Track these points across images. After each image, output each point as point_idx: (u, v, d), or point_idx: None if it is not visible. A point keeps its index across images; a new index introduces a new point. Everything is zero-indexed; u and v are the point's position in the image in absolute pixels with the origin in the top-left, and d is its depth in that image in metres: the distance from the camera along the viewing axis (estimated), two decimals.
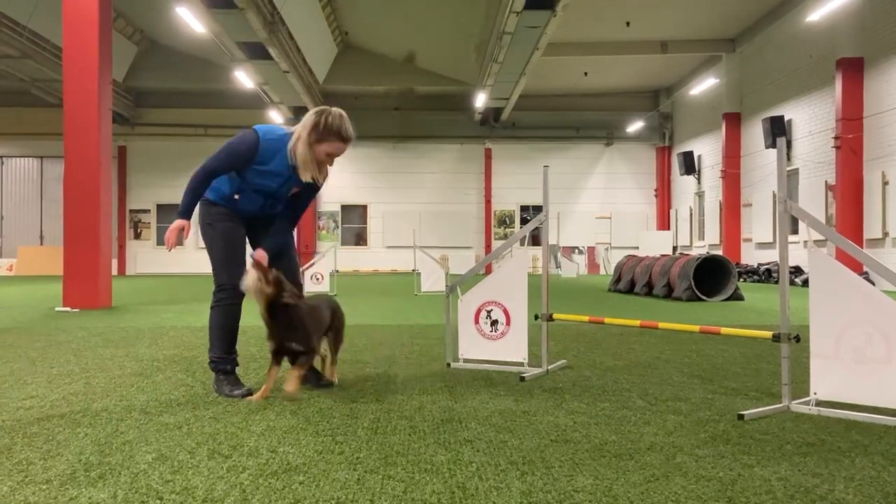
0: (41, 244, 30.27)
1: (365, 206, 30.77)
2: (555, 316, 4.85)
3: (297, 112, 28.88)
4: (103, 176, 10.94)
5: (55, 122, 13.45)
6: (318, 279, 14.19)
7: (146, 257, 30.35)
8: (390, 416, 3.46)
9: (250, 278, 3.68)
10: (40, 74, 23.81)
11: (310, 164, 3.84)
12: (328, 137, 3.82)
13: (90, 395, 3.95)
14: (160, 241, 30.48)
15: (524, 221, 30.20)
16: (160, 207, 30.48)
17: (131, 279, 24.31)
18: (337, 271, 15.27)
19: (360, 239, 30.92)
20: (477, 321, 4.84)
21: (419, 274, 14.50)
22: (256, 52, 20.13)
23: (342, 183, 30.26)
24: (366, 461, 2.71)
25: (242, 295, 3.89)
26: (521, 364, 4.69)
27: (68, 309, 10.27)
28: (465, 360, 4.91)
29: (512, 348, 4.72)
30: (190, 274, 29.18)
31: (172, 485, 2.44)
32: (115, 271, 28.62)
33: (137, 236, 30.62)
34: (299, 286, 4.08)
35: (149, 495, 2.34)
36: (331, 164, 3.95)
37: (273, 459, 2.73)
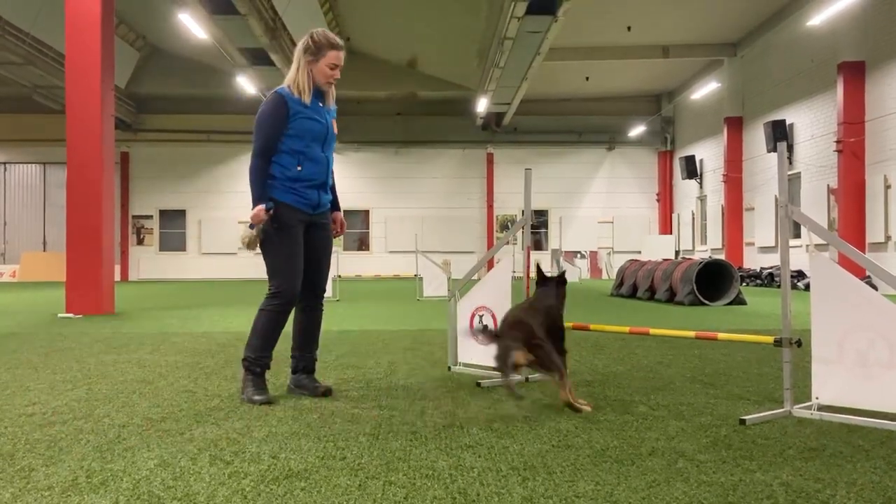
0: (44, 250, 30.31)
1: (367, 211, 30.79)
2: None
3: None
4: (106, 182, 10.96)
5: (58, 129, 13.46)
6: None
7: (149, 263, 30.38)
8: (392, 422, 3.46)
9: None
10: (43, 81, 23.87)
11: (307, 87, 3.96)
12: (322, 51, 3.96)
13: (92, 402, 3.96)
14: (163, 247, 30.52)
15: None
16: (163, 213, 30.52)
17: (134, 285, 24.34)
18: (339, 276, 15.27)
19: (362, 244, 30.94)
20: (471, 325, 4.86)
21: (421, 279, 14.50)
22: (258, 58, 20.19)
23: (344, 188, 30.13)
24: (367, 467, 2.71)
25: (293, 305, 4.05)
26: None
27: (71, 315, 10.28)
28: (465, 365, 4.92)
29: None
30: (192, 280, 29.20)
31: (174, 491, 2.44)
32: (117, 277, 28.59)
33: (140, 242, 30.66)
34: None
35: (150, 502, 2.34)
36: (337, 78, 4.04)
37: (275, 465, 2.73)
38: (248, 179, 4.01)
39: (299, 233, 4.03)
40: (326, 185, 4.14)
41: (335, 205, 4.31)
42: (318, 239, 4.16)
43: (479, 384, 4.40)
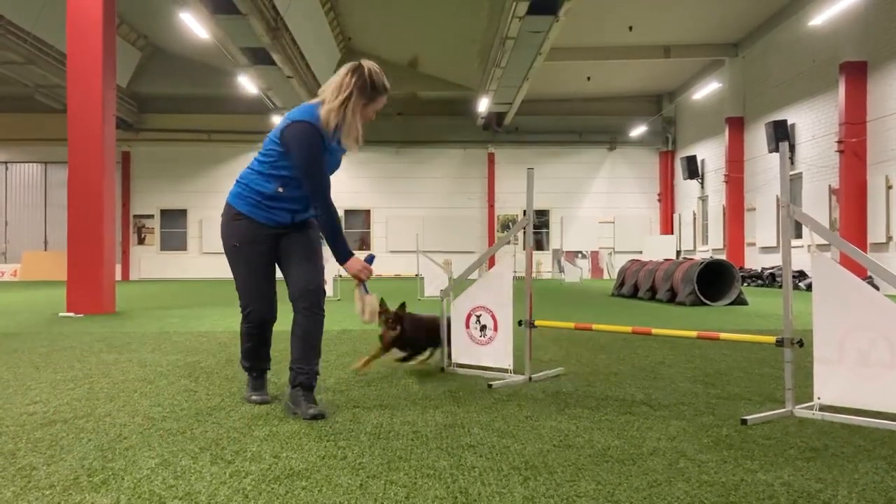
0: (45, 249, 30.33)
1: (368, 211, 30.80)
2: (537, 322, 4.78)
3: None
4: (107, 181, 10.96)
5: (59, 128, 13.47)
6: None
7: (150, 263, 30.39)
8: (393, 422, 3.46)
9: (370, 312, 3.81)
10: (44, 80, 23.88)
11: (356, 128, 3.66)
12: (377, 95, 3.66)
13: (93, 401, 3.96)
14: (164, 247, 30.53)
15: None
16: (164, 213, 30.53)
17: (135, 284, 24.35)
18: (340, 276, 15.26)
19: (363, 243, 30.94)
20: (467, 326, 4.83)
21: (422, 278, 14.50)
22: (260, 58, 20.19)
23: (345, 188, 30.28)
24: (368, 466, 2.71)
25: (268, 323, 3.86)
26: (507, 370, 4.66)
27: (72, 314, 10.29)
28: (459, 365, 4.90)
29: (499, 354, 4.69)
30: (193, 279, 29.21)
31: (175, 490, 2.44)
32: (118, 276, 28.65)
33: (141, 242, 30.66)
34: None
35: (151, 500, 2.34)
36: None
37: (276, 465, 2.73)
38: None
39: (267, 250, 3.73)
40: (306, 208, 3.77)
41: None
42: (295, 241, 3.77)
43: (490, 385, 4.39)
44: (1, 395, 4.12)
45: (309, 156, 3.55)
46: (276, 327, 3.93)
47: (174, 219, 30.58)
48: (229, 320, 8.96)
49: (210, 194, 29.55)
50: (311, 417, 3.50)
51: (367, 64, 3.66)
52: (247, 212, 3.69)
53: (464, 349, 4.84)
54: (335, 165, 3.80)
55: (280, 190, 3.62)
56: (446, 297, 5.04)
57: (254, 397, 3.89)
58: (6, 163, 30.65)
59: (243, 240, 3.70)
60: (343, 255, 3.67)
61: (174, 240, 30.60)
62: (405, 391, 4.26)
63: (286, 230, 3.77)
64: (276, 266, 3.84)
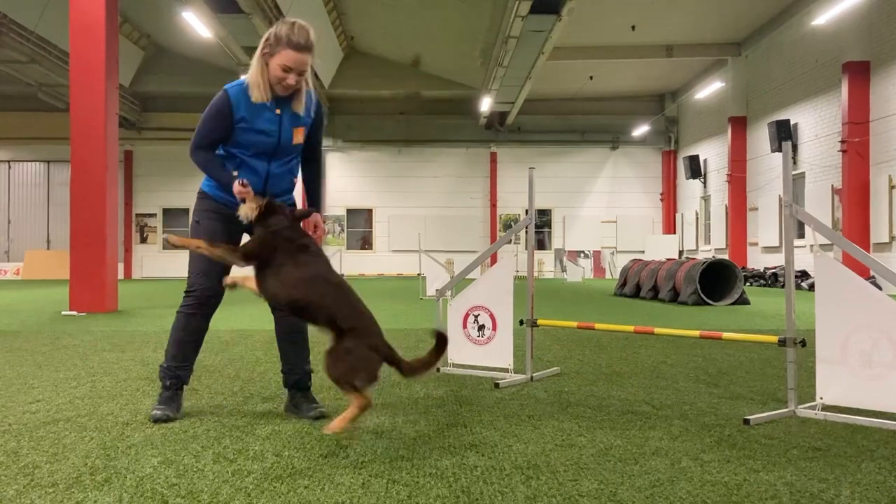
0: (48, 248, 30.35)
1: (370, 210, 30.79)
2: (540, 322, 4.78)
3: None
4: (110, 180, 10.97)
5: (62, 127, 13.50)
6: None
7: (152, 261, 30.41)
8: (395, 421, 3.46)
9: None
10: (47, 79, 23.90)
11: (260, 83, 3.39)
12: (277, 48, 3.33)
13: (96, 399, 3.96)
14: (166, 246, 30.55)
15: None
16: (166, 212, 30.55)
17: (137, 283, 24.37)
18: (342, 275, 15.28)
19: (365, 243, 30.93)
20: (465, 326, 4.81)
21: (424, 278, 14.50)
22: None
23: (348, 187, 30.29)
24: (370, 465, 2.71)
25: (210, 308, 3.60)
26: (506, 370, 4.65)
27: (74, 313, 10.30)
28: (455, 365, 4.88)
29: (498, 354, 4.67)
30: None
31: (177, 489, 2.45)
32: (121, 275, 28.70)
33: (143, 240, 30.69)
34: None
35: (154, 499, 2.34)
36: (295, 83, 3.39)
37: (278, 463, 2.74)
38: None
39: (225, 230, 3.56)
40: (270, 194, 3.54)
41: (312, 204, 3.75)
42: None
43: (497, 385, 4.39)
44: (3, 394, 4.13)
45: (205, 111, 3.51)
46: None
47: (176, 217, 30.57)
48: (232, 319, 8.97)
49: None
50: (314, 419, 3.50)
51: (286, 19, 3.46)
52: (211, 193, 3.61)
53: (461, 349, 4.83)
54: (269, 147, 3.49)
55: (234, 173, 3.44)
56: (442, 297, 5.03)
57: (154, 411, 3.46)
58: (9, 161, 30.68)
59: (202, 216, 3.61)
60: (225, 182, 3.48)
61: None
62: (407, 390, 4.25)
63: None
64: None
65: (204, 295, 3.57)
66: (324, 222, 3.66)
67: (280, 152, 3.54)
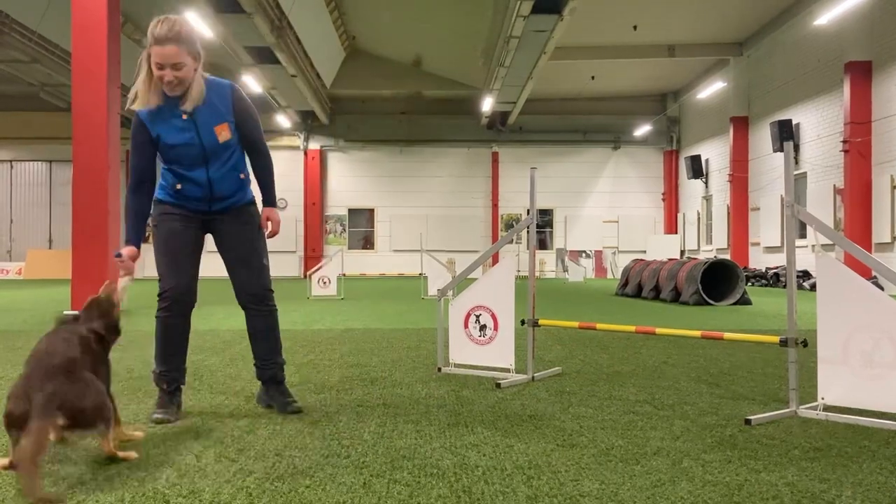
0: (50, 248, 30.38)
1: (372, 210, 30.79)
2: (541, 321, 4.78)
3: (305, 116, 28.97)
4: (112, 180, 10.98)
5: (64, 127, 13.52)
6: (325, 283, 14.22)
7: (154, 261, 30.43)
8: (396, 420, 3.46)
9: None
10: (49, 79, 23.92)
11: (141, 89, 3.33)
12: (149, 47, 3.28)
13: None
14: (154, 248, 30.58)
15: None
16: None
17: (139, 283, 24.34)
18: (344, 275, 15.29)
19: (367, 242, 30.94)
20: (466, 325, 4.81)
21: (426, 278, 14.50)
22: (264, 57, 20.20)
23: (349, 187, 30.30)
24: (372, 465, 2.72)
25: (185, 306, 3.63)
26: (508, 370, 4.65)
27: (76, 312, 10.30)
28: (456, 365, 4.88)
29: (500, 354, 4.67)
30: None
31: (179, 488, 2.45)
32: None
33: (146, 240, 30.60)
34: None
35: (156, 499, 2.35)
36: (174, 78, 3.29)
37: (279, 463, 2.74)
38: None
39: (185, 228, 3.56)
40: (221, 197, 3.54)
41: (265, 200, 3.67)
42: (229, 237, 3.61)
43: (498, 385, 4.38)
44: (5, 394, 4.12)
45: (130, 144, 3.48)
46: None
47: None
48: (233, 319, 8.97)
49: None
50: (293, 412, 3.57)
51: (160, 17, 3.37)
52: (165, 198, 3.58)
53: (462, 349, 4.82)
54: (195, 154, 3.44)
55: (178, 187, 3.49)
56: (444, 297, 5.03)
57: (155, 415, 3.47)
58: (11, 161, 30.71)
59: (160, 219, 3.58)
60: (124, 240, 3.57)
61: None
62: (408, 390, 4.26)
63: (216, 216, 3.60)
64: (199, 251, 3.69)
65: (176, 294, 3.58)
66: (279, 214, 3.67)
67: (211, 156, 3.46)
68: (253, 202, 3.68)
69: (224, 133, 3.46)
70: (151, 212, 3.59)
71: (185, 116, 3.38)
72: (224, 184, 3.53)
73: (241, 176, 3.60)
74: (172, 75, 3.27)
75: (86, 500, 2.33)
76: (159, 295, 3.61)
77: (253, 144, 3.61)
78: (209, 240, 3.70)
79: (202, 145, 3.42)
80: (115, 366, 5.16)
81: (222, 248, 3.65)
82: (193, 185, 3.48)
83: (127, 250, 3.48)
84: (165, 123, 3.38)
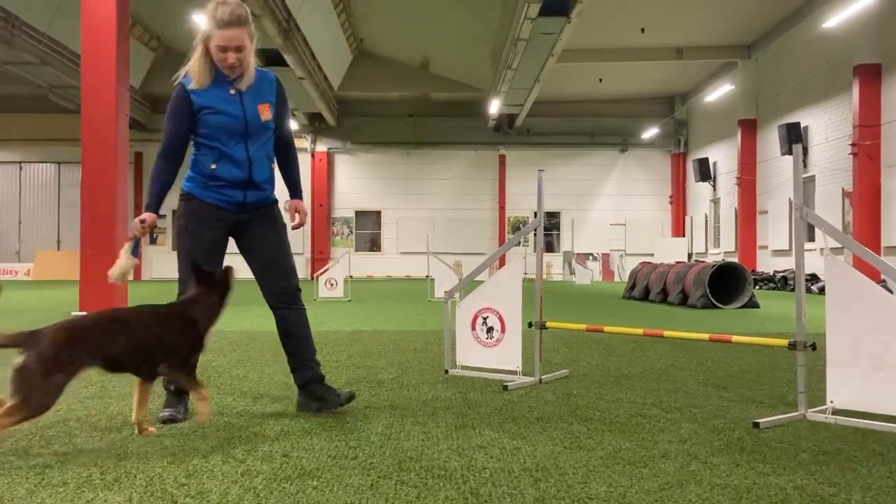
0: (58, 249, 30.51)
1: (379, 213, 30.82)
2: (549, 324, 4.76)
3: (313, 118, 29.03)
4: (120, 181, 11.01)
5: (73, 128, 13.57)
6: (332, 285, 14.24)
7: (162, 262, 30.50)
8: (403, 422, 3.46)
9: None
10: (58, 81, 24.03)
11: (199, 70, 3.42)
12: (210, 32, 3.37)
13: (106, 399, 3.98)
14: (175, 247, 30.71)
15: None
16: (175, 213, 30.68)
17: (147, 284, 24.47)
18: (351, 277, 15.31)
19: (373, 245, 30.97)
20: (473, 327, 4.79)
21: (433, 280, 14.50)
22: (272, 59, 20.26)
23: (356, 189, 30.35)
24: (379, 466, 2.72)
25: None
26: (515, 372, 4.63)
27: (85, 313, 10.33)
28: (463, 367, 4.87)
29: (507, 356, 4.65)
30: None
31: (187, 489, 2.45)
32: (130, 276, 28.78)
33: (153, 242, 30.80)
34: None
35: (164, 499, 2.35)
36: (236, 60, 3.38)
37: (287, 464, 2.74)
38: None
39: (214, 236, 3.54)
40: (256, 183, 3.55)
41: (292, 191, 3.73)
42: (258, 238, 3.61)
43: (505, 387, 4.37)
44: None
45: (167, 108, 3.51)
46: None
47: None
48: (240, 320, 8.99)
49: None
50: (346, 400, 3.60)
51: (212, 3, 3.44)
52: (195, 192, 3.54)
53: (469, 351, 4.81)
54: (238, 127, 3.47)
55: (213, 167, 3.48)
56: (451, 299, 5.02)
57: (163, 413, 3.44)
58: (20, 163, 30.86)
59: (188, 220, 3.54)
60: (144, 204, 3.52)
61: None
62: (415, 392, 4.26)
63: (245, 216, 3.59)
64: (222, 257, 3.64)
65: None
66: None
67: (252, 133, 3.50)
68: (277, 202, 3.72)
69: (266, 113, 3.54)
70: (181, 209, 3.57)
71: (232, 91, 3.47)
72: (259, 166, 3.56)
73: (272, 167, 3.67)
74: (235, 57, 3.38)
75: (94, 500, 2.33)
76: (181, 294, 3.55)
77: (286, 133, 3.72)
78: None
79: (245, 120, 3.48)
80: None
81: (251, 251, 3.64)
82: (232, 165, 3.49)
83: (150, 217, 3.47)
84: (212, 95, 3.45)
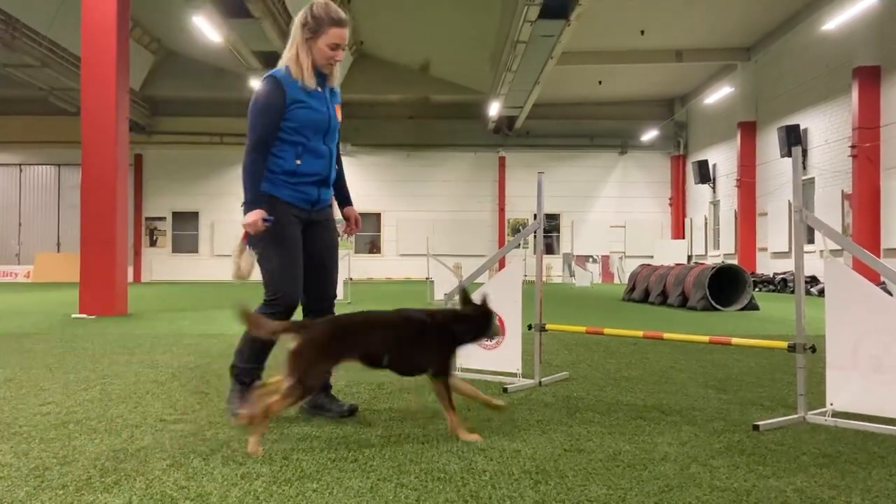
0: (58, 251, 30.52)
1: (379, 215, 30.83)
2: (548, 326, 4.75)
3: None
4: (120, 184, 11.02)
5: (73, 131, 13.58)
6: None
7: (162, 264, 30.54)
8: (403, 425, 3.46)
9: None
10: (59, 83, 24.07)
11: (308, 67, 3.47)
12: (322, 28, 3.43)
13: (106, 402, 3.98)
14: (176, 249, 30.68)
15: None
16: (176, 215, 30.68)
17: (147, 286, 24.46)
18: (351, 279, 15.30)
19: (373, 247, 30.98)
20: None
21: (433, 282, 14.50)
22: (272, 62, 20.20)
23: (356, 191, 29.95)
24: (379, 469, 2.72)
25: (291, 313, 3.50)
26: (515, 375, 4.62)
27: (84, 315, 10.34)
28: (463, 370, 4.85)
29: (506, 358, 4.64)
30: (205, 281, 29.31)
31: (187, 491, 2.45)
32: (130, 278, 28.78)
33: (153, 244, 30.83)
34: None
35: (163, 501, 2.35)
36: (338, 60, 3.52)
37: (287, 466, 2.74)
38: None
39: (297, 232, 3.55)
40: (328, 181, 3.65)
41: (346, 199, 3.85)
42: (319, 240, 3.65)
43: (505, 389, 4.37)
44: (14, 396, 4.15)
45: (252, 104, 3.50)
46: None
47: (186, 221, 30.73)
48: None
49: (222, 197, 29.67)
50: (348, 413, 3.60)
51: (314, 1, 3.50)
52: (275, 192, 3.50)
53: (469, 354, 4.80)
54: (324, 123, 3.53)
55: (298, 162, 3.49)
56: (450, 301, 5.01)
57: (241, 410, 3.28)
58: (20, 165, 30.88)
59: (275, 220, 3.47)
60: (250, 200, 3.43)
61: (186, 242, 30.76)
62: (415, 395, 4.25)
63: (314, 215, 3.61)
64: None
65: (290, 302, 3.50)
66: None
67: (331, 132, 3.61)
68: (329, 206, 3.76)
69: (339, 114, 3.66)
70: (267, 219, 3.43)
71: (319, 88, 3.54)
72: (333, 165, 3.67)
73: (337, 170, 3.78)
74: (339, 55, 3.52)
75: (94, 502, 2.33)
76: (271, 299, 3.49)
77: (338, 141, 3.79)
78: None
79: (330, 117, 3.58)
80: (122, 369, 5.18)
81: (313, 252, 3.64)
82: (315, 159, 3.54)
83: (263, 213, 3.40)
84: (302, 91, 3.49)
